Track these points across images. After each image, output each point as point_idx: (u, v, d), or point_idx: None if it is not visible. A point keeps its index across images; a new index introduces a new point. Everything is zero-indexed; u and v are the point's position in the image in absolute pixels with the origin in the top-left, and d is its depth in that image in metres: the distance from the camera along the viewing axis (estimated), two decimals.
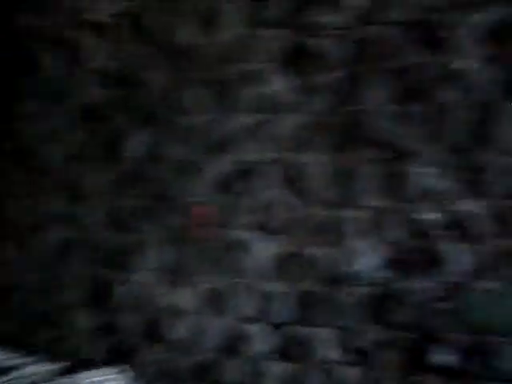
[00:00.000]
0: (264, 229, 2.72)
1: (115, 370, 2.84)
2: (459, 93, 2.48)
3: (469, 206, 2.44)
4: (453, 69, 2.49)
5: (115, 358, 2.99)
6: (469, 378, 2.40)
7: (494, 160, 2.42)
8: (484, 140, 2.44)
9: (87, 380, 2.70)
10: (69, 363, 3.02)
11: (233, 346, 2.73)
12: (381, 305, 2.52)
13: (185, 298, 2.84)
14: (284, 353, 2.64)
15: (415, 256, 2.49)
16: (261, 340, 2.68)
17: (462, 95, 2.47)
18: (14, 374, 2.71)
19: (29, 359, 3.00)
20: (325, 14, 2.69)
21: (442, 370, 2.43)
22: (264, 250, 2.72)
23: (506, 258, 2.38)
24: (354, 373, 2.53)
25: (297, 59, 2.73)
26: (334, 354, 2.57)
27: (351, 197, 2.59)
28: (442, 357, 2.43)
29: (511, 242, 2.38)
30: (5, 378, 2.69)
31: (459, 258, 2.44)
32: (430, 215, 2.48)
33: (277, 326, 2.66)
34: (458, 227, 2.45)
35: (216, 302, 2.78)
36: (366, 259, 2.55)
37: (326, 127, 2.66)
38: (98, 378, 2.73)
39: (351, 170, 2.60)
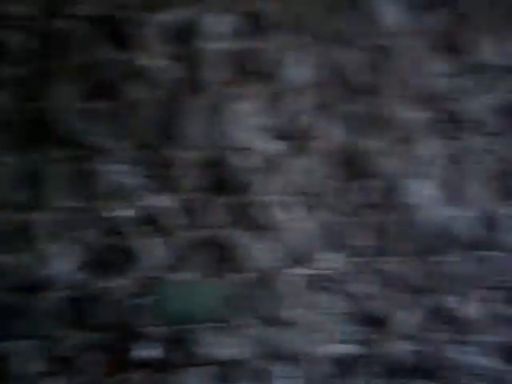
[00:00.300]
0: None
1: None
2: (146, 90, 2.53)
3: (160, 200, 2.51)
4: (139, 66, 2.53)
5: None
6: (172, 367, 2.49)
7: (181, 155, 2.53)
8: (171, 136, 2.54)
9: None
10: None
11: None
12: (80, 308, 2.47)
13: None
14: None
15: (111, 255, 2.49)
16: None
17: (148, 92, 2.53)
18: None
19: None
20: (7, 4, 2.54)
21: (147, 365, 2.48)
22: None
23: (198, 249, 2.51)
24: (59, 382, 2.44)
25: None
26: (36, 366, 2.45)
27: (41, 199, 2.48)
28: (145, 351, 2.48)
29: (201, 233, 2.51)
30: None
31: (154, 252, 2.50)
32: (123, 212, 2.49)
33: None
34: (150, 222, 2.50)
35: None
36: (61, 262, 2.47)
37: (9, 125, 2.50)
38: None
39: (39, 170, 2.49)
